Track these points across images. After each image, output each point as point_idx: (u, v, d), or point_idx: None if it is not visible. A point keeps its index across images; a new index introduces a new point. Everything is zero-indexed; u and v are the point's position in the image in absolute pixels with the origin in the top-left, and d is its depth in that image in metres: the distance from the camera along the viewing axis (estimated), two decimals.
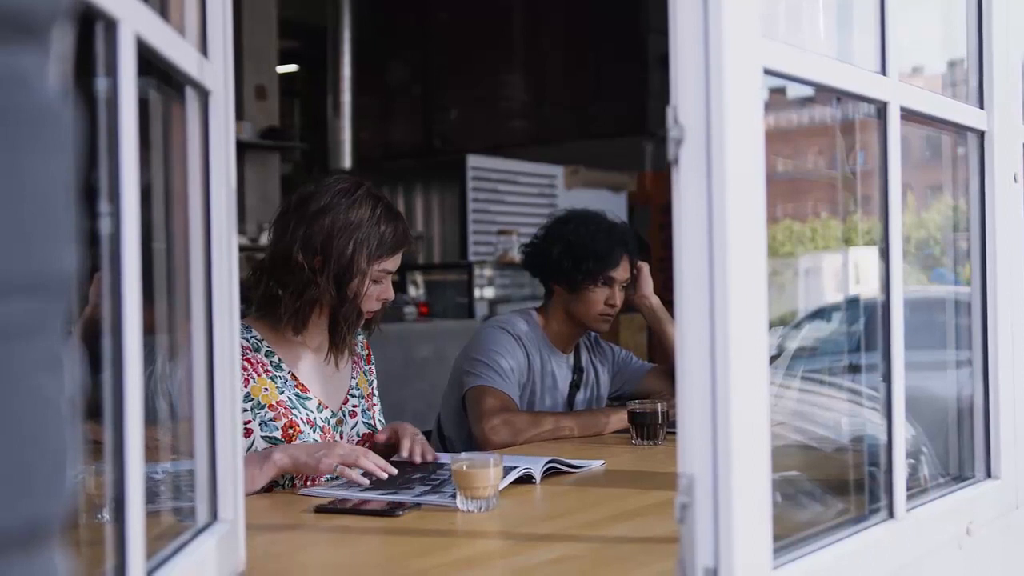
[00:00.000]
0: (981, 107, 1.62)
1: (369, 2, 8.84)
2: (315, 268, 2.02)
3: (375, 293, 2.09)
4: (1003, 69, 1.63)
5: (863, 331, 1.53)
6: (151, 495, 0.94)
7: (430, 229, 7.76)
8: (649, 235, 6.64)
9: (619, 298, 2.68)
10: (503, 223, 7.24)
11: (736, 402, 1.00)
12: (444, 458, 2.06)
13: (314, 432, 2.06)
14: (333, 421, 2.12)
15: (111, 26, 0.84)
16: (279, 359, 2.08)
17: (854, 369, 1.61)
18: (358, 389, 2.21)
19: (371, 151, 9.14)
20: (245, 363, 2.00)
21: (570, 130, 8.77)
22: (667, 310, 2.77)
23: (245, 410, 1.98)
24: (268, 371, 2.05)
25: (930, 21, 1.86)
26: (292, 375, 2.08)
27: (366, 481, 1.85)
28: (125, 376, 0.85)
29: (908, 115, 1.38)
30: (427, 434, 2.48)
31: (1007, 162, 1.65)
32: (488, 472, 1.67)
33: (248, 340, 2.05)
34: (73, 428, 0.57)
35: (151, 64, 0.96)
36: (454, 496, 1.70)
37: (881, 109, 1.34)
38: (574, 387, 2.77)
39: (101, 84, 0.84)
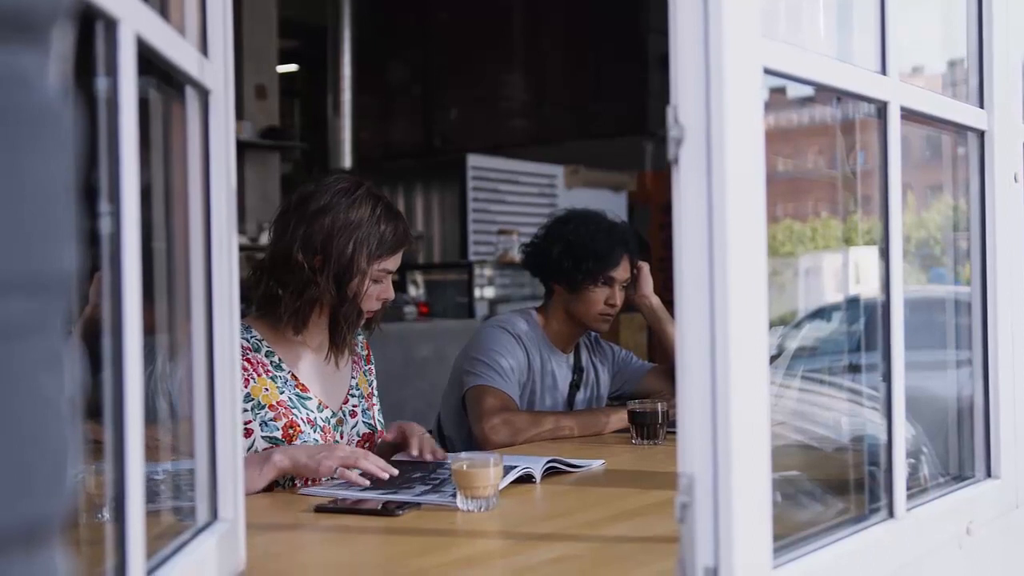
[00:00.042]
0: (981, 107, 1.62)
1: (369, 2, 8.84)
2: (315, 267, 2.02)
3: (375, 292, 2.08)
4: (1003, 69, 1.63)
5: (863, 331, 1.53)
6: (151, 494, 0.94)
7: (430, 229, 7.76)
8: (649, 235, 6.64)
9: (619, 298, 2.68)
10: (503, 223, 7.24)
11: (736, 402, 1.00)
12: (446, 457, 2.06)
13: (314, 432, 2.06)
14: (333, 421, 2.12)
15: (111, 25, 0.84)
16: (279, 359, 2.08)
17: (854, 369, 1.61)
18: (358, 389, 2.21)
19: (371, 151, 9.14)
20: (245, 363, 2.00)
21: (570, 130, 8.77)
22: (667, 310, 2.77)
23: (245, 410, 1.98)
24: (268, 371, 2.05)
25: (930, 21, 1.86)
26: (292, 375, 2.08)
27: (366, 482, 1.85)
28: (125, 376, 0.85)
29: (908, 115, 1.38)
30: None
31: (1007, 162, 1.65)
32: (488, 472, 1.67)
33: (248, 340, 2.05)
34: (73, 427, 0.57)
35: (151, 64, 0.96)
36: (454, 496, 1.70)
37: (881, 109, 1.34)
38: (574, 387, 2.77)
39: (101, 84, 0.84)
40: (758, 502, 1.04)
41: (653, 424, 2.39)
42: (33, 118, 0.55)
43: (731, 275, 1.00)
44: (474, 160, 7.41)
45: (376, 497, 1.77)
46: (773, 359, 1.34)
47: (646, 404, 2.43)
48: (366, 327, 2.20)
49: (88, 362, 0.72)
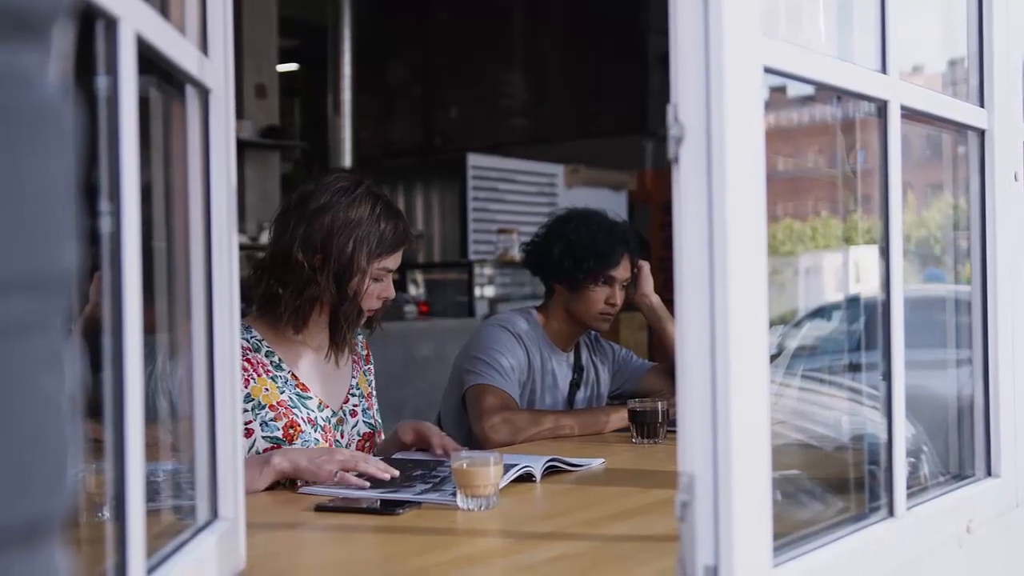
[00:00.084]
0: (981, 106, 1.62)
1: (369, 1, 8.85)
2: (315, 266, 2.02)
3: (375, 291, 2.08)
4: (1003, 68, 1.63)
5: (863, 330, 1.53)
6: (151, 493, 0.94)
7: (430, 228, 7.76)
8: (649, 234, 6.64)
9: (620, 297, 2.68)
10: (503, 222, 7.25)
11: (736, 401, 1.00)
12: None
13: (315, 431, 2.06)
14: (334, 420, 2.12)
15: (111, 24, 0.84)
16: (279, 359, 2.08)
17: (854, 368, 1.61)
18: (358, 388, 2.21)
19: (371, 150, 9.15)
20: (245, 363, 2.00)
21: (570, 129, 8.78)
22: (667, 309, 2.78)
23: (246, 410, 1.98)
24: (268, 371, 2.05)
25: (930, 20, 1.86)
26: (292, 375, 2.08)
27: (367, 484, 1.85)
28: (125, 375, 0.85)
29: (908, 114, 1.38)
30: None
31: (1007, 161, 1.65)
32: (488, 470, 1.67)
33: (248, 340, 2.05)
34: (73, 426, 0.57)
35: (151, 62, 0.96)
36: (454, 494, 1.70)
37: (881, 108, 1.34)
38: (574, 386, 2.77)
39: (101, 82, 0.84)
40: (758, 501, 1.04)
41: (653, 423, 2.39)
42: (33, 117, 0.55)
43: (731, 274, 1.00)
44: (474, 159, 7.41)
45: (376, 496, 1.77)
46: (773, 358, 1.34)
47: (646, 403, 2.43)
48: (367, 326, 2.20)
49: (88, 361, 0.72)
